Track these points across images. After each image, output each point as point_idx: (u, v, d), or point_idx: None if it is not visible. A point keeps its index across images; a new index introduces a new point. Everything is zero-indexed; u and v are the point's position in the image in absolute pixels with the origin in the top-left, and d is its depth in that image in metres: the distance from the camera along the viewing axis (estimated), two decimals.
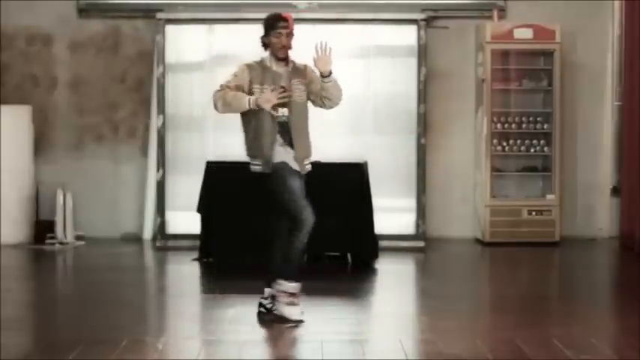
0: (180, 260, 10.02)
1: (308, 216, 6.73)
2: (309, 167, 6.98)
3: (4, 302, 7.62)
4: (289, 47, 6.94)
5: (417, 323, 6.97)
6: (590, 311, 7.58)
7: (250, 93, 6.86)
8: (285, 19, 6.92)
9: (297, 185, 6.79)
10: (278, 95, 6.76)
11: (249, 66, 6.96)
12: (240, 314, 7.26)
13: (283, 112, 6.86)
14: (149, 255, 10.72)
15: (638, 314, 7.19)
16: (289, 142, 6.88)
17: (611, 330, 7.08)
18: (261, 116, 6.80)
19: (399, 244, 10.67)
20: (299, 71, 6.98)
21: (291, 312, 6.85)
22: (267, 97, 6.76)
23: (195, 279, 9.41)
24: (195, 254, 9.95)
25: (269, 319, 6.90)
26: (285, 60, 6.94)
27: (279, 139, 6.85)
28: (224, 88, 6.86)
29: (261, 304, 7.00)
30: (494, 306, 8.04)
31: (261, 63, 6.97)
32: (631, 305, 7.73)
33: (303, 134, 6.93)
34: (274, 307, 6.93)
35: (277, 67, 6.92)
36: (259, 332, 6.70)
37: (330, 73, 6.81)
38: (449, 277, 9.40)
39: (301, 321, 6.81)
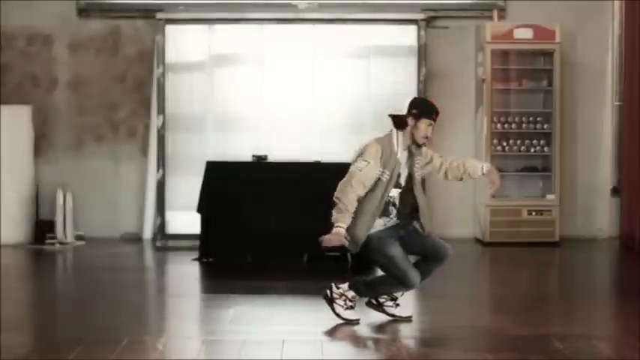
0: (181, 260, 10.02)
1: (412, 280, 6.75)
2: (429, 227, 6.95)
3: (4, 302, 7.62)
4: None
5: (417, 323, 6.97)
6: (590, 311, 7.58)
7: None
8: (438, 113, 6.83)
9: (395, 251, 6.75)
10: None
11: (382, 145, 6.70)
12: (240, 314, 7.26)
13: (393, 193, 6.76)
14: (149, 255, 10.72)
15: (638, 314, 7.19)
16: (393, 215, 6.80)
17: (611, 330, 7.07)
18: (372, 198, 6.71)
19: None
20: (417, 152, 6.86)
21: (348, 314, 6.93)
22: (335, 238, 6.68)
23: (195, 279, 9.40)
24: (195, 254, 9.95)
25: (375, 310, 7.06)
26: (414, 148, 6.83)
27: (382, 215, 6.76)
28: (355, 184, 6.68)
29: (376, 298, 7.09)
30: (494, 306, 8.03)
31: (390, 144, 6.75)
32: (631, 305, 7.73)
33: (426, 206, 6.91)
34: (385, 304, 7.03)
35: (401, 154, 6.76)
36: (259, 332, 6.70)
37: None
38: (449, 277, 9.37)
39: (358, 319, 6.91)
